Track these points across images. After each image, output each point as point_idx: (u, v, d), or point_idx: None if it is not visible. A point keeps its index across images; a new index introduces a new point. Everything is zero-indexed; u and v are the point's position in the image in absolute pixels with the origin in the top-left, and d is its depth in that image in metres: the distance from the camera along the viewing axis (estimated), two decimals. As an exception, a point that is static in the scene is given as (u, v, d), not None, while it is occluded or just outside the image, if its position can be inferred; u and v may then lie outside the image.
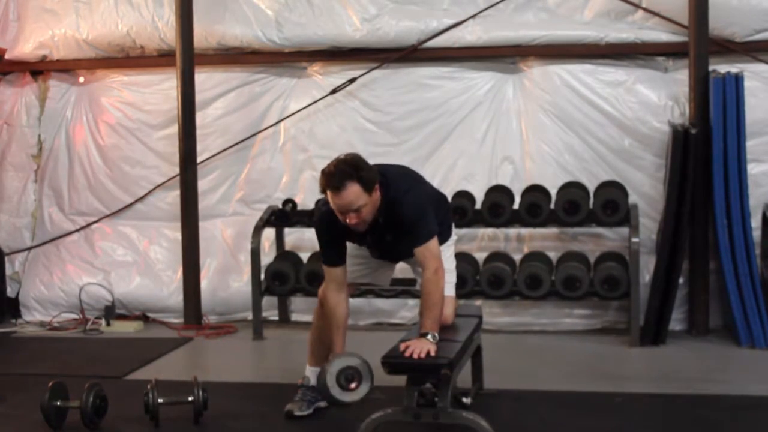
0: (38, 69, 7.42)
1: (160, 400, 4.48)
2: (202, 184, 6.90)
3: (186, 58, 6.68)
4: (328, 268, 4.41)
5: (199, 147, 6.83)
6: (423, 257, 4.20)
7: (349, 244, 4.54)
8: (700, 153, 6.00)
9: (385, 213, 4.23)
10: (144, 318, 6.98)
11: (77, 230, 7.31)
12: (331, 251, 4.40)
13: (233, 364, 5.88)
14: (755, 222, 6.12)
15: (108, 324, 6.80)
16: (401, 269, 5.01)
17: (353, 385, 4.10)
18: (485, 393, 4.85)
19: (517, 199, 6.38)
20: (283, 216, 6.64)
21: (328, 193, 4.13)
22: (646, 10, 6.43)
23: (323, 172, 4.15)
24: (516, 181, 6.59)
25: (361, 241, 4.42)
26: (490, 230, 6.60)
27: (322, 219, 4.39)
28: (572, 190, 6.26)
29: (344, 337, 4.44)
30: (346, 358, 4.15)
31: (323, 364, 4.22)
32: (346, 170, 4.09)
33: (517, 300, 6.30)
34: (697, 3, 6.08)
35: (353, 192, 4.08)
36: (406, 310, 6.64)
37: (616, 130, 6.49)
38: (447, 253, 4.46)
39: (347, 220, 4.15)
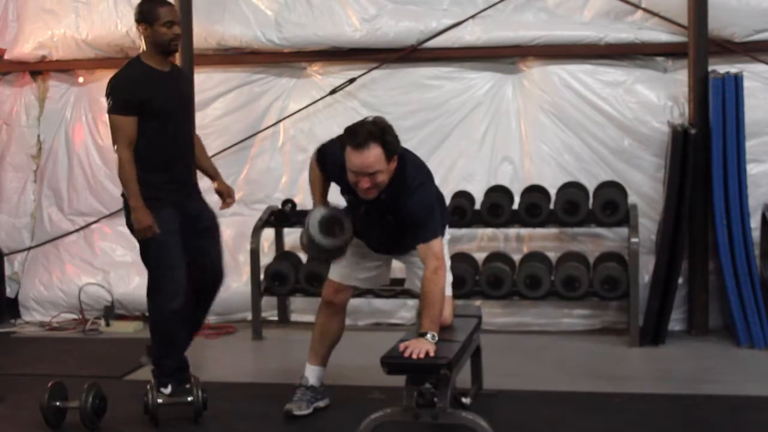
0: (37, 69, 7.42)
1: (160, 401, 4.49)
2: (202, 185, 6.87)
3: (185, 58, 6.67)
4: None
5: (198, 147, 6.82)
6: (425, 255, 4.19)
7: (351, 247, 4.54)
8: (699, 153, 6.00)
9: (391, 193, 4.18)
10: (143, 318, 6.96)
11: (76, 230, 7.31)
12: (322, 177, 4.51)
13: (233, 365, 5.88)
14: (754, 222, 6.12)
15: (107, 324, 6.81)
16: (401, 269, 5.01)
17: (336, 231, 4.28)
18: (485, 393, 4.86)
19: (517, 200, 6.38)
20: (282, 216, 6.64)
21: (348, 150, 4.06)
22: (645, 10, 6.43)
23: (347, 129, 4.10)
24: (515, 182, 6.59)
25: (356, 206, 4.36)
26: (489, 230, 6.60)
27: (334, 159, 4.28)
28: (572, 190, 6.26)
29: (325, 191, 4.56)
30: (326, 208, 4.39)
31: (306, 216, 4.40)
32: (372, 130, 4.05)
33: (516, 300, 6.30)
34: (697, 3, 6.08)
35: (374, 154, 4.04)
36: (405, 310, 6.64)
37: (615, 130, 6.49)
38: None
39: (360, 184, 4.10)
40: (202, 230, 4.90)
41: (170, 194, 4.76)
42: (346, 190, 4.35)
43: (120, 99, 4.62)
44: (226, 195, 5.09)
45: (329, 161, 4.38)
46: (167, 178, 4.74)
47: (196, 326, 5.13)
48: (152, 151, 4.68)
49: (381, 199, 4.20)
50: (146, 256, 4.77)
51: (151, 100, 4.66)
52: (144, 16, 4.73)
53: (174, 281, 4.75)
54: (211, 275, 5.01)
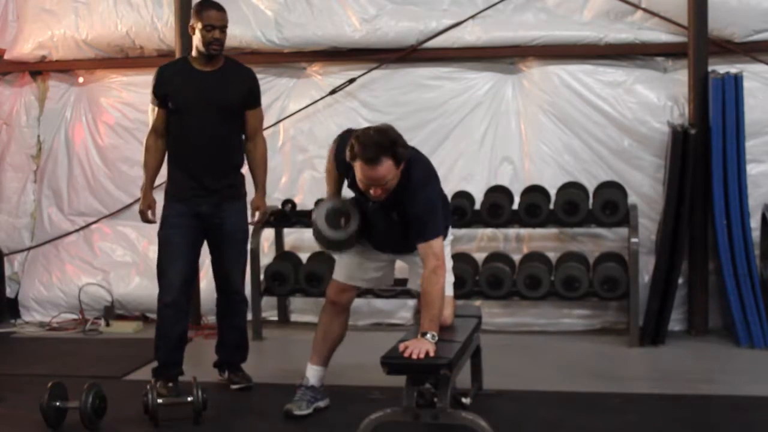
0: (37, 69, 7.42)
1: (160, 401, 4.49)
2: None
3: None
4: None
5: (198, 147, 6.82)
6: (425, 254, 4.19)
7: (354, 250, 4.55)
8: (699, 153, 6.00)
9: (396, 191, 4.18)
10: (143, 318, 6.97)
11: (76, 231, 7.31)
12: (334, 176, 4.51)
13: (232, 365, 5.87)
14: (754, 222, 6.12)
15: (107, 324, 6.81)
16: (401, 269, 5.01)
17: (342, 223, 4.33)
18: (484, 393, 4.86)
19: (517, 200, 6.38)
20: (282, 216, 6.64)
21: (359, 162, 4.05)
22: (645, 10, 6.43)
23: (358, 139, 4.06)
24: (515, 182, 6.59)
25: (363, 204, 4.37)
26: (489, 230, 6.60)
27: (340, 158, 4.29)
28: (571, 190, 6.26)
29: (339, 184, 4.53)
30: (335, 200, 4.43)
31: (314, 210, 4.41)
32: (383, 143, 4.03)
33: (516, 300, 6.30)
34: (697, 3, 6.08)
35: (386, 167, 4.04)
36: (406, 310, 6.64)
37: (615, 130, 6.49)
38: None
39: (371, 191, 4.12)
40: (213, 234, 5.05)
41: (182, 191, 4.96)
42: (354, 187, 4.35)
43: (152, 89, 4.97)
44: (254, 210, 5.25)
45: (340, 158, 4.34)
46: (183, 175, 4.96)
47: (226, 337, 5.33)
48: (173, 145, 4.99)
49: (387, 196, 4.21)
50: None
51: (171, 95, 4.91)
52: (193, 16, 4.97)
53: (167, 275, 4.94)
54: (221, 282, 5.18)
